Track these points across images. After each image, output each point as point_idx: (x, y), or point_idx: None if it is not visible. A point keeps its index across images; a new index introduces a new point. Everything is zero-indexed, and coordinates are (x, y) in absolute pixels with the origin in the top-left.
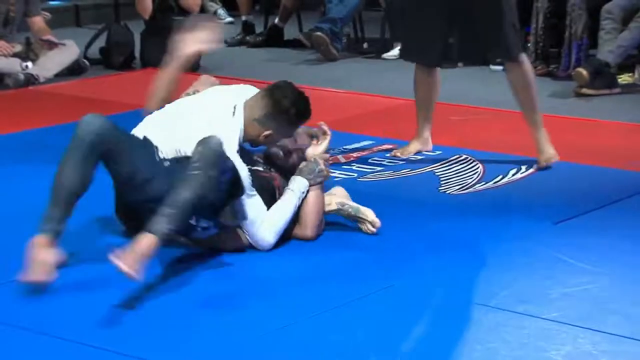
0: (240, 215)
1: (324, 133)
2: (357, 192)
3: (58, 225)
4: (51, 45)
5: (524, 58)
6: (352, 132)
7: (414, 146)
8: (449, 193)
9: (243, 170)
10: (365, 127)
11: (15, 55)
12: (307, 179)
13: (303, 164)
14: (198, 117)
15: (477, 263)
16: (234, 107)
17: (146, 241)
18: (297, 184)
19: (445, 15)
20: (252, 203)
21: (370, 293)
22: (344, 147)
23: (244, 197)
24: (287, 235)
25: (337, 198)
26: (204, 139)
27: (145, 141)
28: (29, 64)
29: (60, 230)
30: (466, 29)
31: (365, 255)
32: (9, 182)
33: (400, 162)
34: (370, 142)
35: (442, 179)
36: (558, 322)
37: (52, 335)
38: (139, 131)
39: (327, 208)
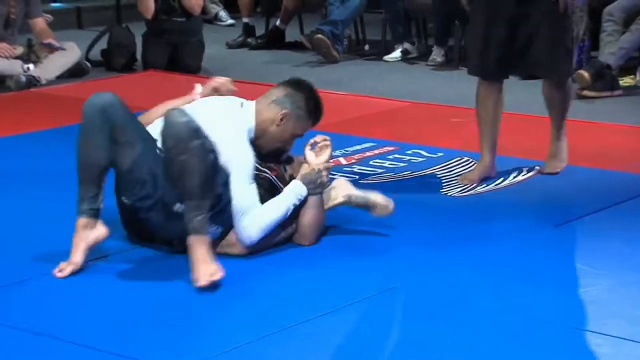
0: (234, 201)
1: (325, 140)
2: None
3: (94, 203)
4: (52, 50)
5: (570, 84)
6: (353, 135)
7: (477, 172)
8: (451, 195)
9: (249, 157)
10: (367, 129)
11: (17, 57)
12: (307, 187)
13: (305, 170)
14: (205, 112)
15: (478, 265)
16: (241, 103)
17: (198, 245)
18: (295, 188)
19: (509, 26)
20: (247, 192)
21: (372, 295)
22: (346, 149)
23: (241, 184)
24: (287, 238)
25: (342, 191)
26: (166, 121)
27: (148, 133)
28: (31, 66)
29: (97, 207)
30: (524, 43)
31: (367, 257)
32: (9, 183)
33: (402, 165)
34: (372, 144)
35: (444, 181)
36: (558, 325)
37: (51, 337)
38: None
39: (334, 202)
